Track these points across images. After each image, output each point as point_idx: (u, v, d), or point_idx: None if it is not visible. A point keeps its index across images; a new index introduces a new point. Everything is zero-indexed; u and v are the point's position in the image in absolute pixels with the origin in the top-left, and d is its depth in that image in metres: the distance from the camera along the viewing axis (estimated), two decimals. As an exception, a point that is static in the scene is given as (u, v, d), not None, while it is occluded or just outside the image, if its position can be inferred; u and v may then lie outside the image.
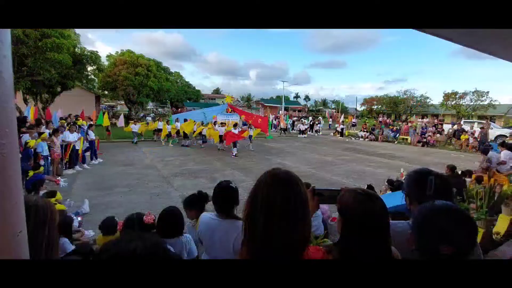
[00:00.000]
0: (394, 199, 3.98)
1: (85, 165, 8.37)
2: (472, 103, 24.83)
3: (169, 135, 14.03)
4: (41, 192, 4.65)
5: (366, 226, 0.90)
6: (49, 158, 7.10)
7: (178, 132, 14.06)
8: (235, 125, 13.00)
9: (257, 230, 0.85)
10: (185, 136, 13.55)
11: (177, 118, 14.66)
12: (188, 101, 40.47)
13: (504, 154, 6.44)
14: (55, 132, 7.56)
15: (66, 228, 2.80)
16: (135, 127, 13.93)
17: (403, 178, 1.46)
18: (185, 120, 14.02)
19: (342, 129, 21.73)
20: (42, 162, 6.46)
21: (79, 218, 4.17)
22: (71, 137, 7.91)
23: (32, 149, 5.97)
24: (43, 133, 7.04)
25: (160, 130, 14.22)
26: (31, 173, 5.74)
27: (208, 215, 1.67)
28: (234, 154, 11.08)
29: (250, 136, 13.21)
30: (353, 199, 0.95)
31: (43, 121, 9.96)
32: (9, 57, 0.62)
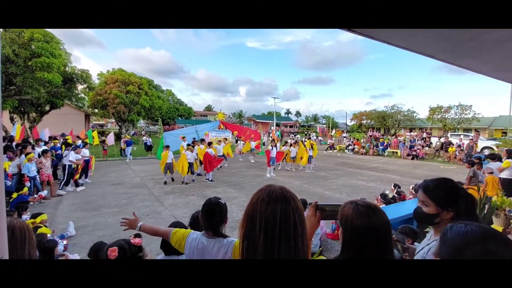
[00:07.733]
0: (403, 209, 4.14)
1: (67, 188, 7.78)
2: (457, 117, 25.69)
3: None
4: (25, 217, 4.44)
5: (365, 238, 0.89)
6: (38, 178, 6.86)
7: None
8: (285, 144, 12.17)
9: (258, 250, 0.82)
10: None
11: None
12: (179, 118, 40.50)
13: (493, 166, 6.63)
14: (45, 152, 7.36)
15: (49, 252, 2.65)
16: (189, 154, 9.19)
17: (432, 188, 1.30)
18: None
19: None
20: (27, 183, 6.21)
21: (64, 242, 3.98)
22: (76, 156, 7.84)
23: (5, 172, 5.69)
24: (29, 153, 6.84)
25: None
26: (14, 194, 5.51)
27: (194, 235, 1.55)
28: (210, 179, 9.42)
29: (311, 157, 11.70)
30: (352, 211, 0.94)
31: (30, 140, 9.71)
32: None
